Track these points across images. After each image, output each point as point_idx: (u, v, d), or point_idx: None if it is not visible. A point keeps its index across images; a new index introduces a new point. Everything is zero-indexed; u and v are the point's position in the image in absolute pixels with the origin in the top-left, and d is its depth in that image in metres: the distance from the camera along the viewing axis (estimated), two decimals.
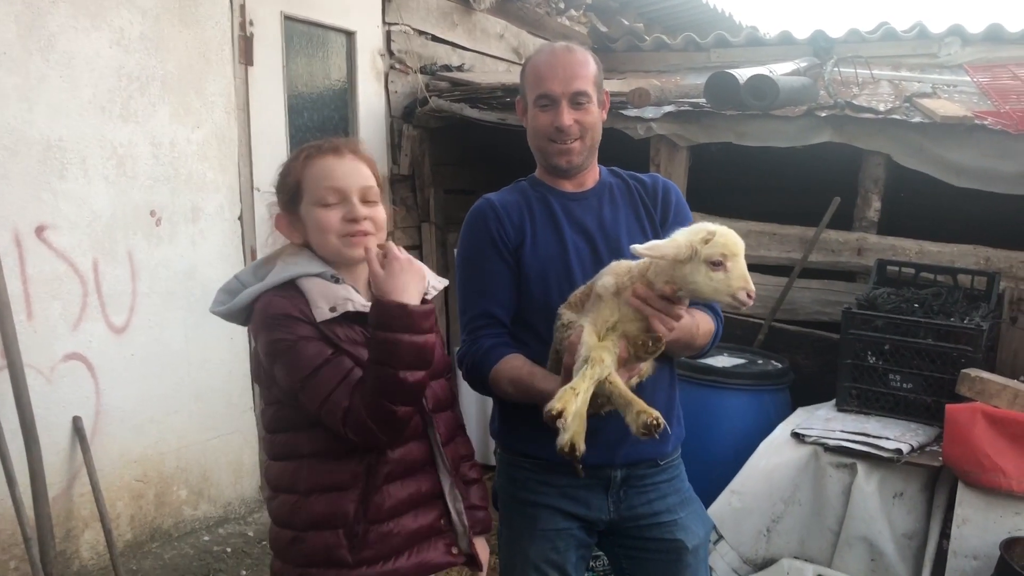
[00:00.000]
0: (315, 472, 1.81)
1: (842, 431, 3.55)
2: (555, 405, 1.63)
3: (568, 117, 2.07)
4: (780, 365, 4.27)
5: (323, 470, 1.81)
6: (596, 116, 2.13)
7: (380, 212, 1.88)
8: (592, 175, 2.21)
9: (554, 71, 2.08)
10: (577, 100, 2.08)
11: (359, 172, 1.87)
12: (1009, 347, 3.97)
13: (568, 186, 2.17)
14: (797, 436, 3.59)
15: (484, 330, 2.10)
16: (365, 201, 1.85)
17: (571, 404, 1.64)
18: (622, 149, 4.13)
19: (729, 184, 5.51)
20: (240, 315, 1.89)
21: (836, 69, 5.70)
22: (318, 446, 1.81)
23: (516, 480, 2.19)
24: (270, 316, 1.77)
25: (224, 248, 4.31)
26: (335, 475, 1.80)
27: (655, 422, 1.65)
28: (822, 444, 3.49)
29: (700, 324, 2.02)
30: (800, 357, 4.50)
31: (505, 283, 2.10)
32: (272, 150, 4.51)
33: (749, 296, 1.69)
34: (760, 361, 4.32)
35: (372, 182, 1.88)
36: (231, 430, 4.44)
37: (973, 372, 3.38)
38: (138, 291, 3.89)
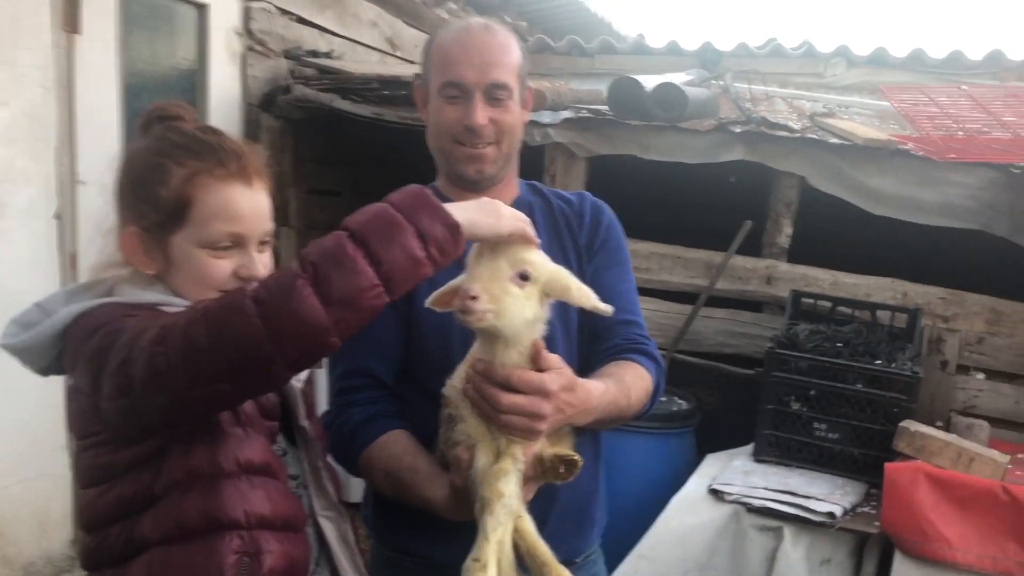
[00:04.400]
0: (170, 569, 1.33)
1: (765, 488, 3.17)
2: (472, 567, 1.33)
3: (482, 115, 1.69)
4: (686, 404, 3.88)
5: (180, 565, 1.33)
6: (517, 116, 1.76)
7: (269, 256, 1.52)
8: (509, 190, 1.85)
9: (467, 54, 1.70)
10: (494, 94, 1.70)
11: (264, 209, 1.50)
12: (926, 391, 3.68)
13: None
14: (716, 493, 3.19)
15: (357, 394, 1.70)
16: (261, 244, 1.49)
17: (490, 562, 1.33)
18: None
19: (631, 199, 4.97)
20: (45, 350, 1.42)
21: (731, 84, 5.40)
22: (167, 526, 1.34)
23: None
24: (100, 321, 1.34)
25: (36, 253, 3.57)
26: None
27: None
28: (744, 504, 3.11)
29: (632, 388, 1.66)
30: (703, 392, 4.19)
31: (390, 330, 1.70)
32: (101, 136, 3.82)
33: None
34: (663, 399, 3.88)
35: (271, 219, 1.52)
36: (36, 474, 3.65)
37: (912, 426, 3.05)
38: None
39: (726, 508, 3.15)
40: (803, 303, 3.89)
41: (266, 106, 4.88)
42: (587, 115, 4.28)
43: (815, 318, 3.80)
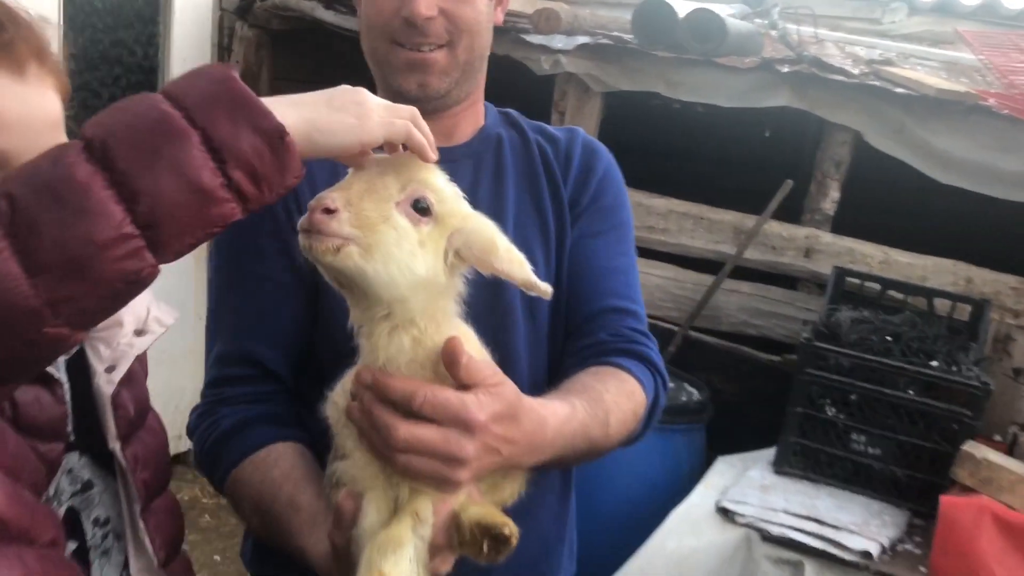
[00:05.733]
0: None
1: (786, 511, 2.60)
2: None
3: (427, 2, 1.31)
4: (698, 395, 3.31)
5: None
6: (482, 13, 1.39)
7: None
8: (470, 119, 1.49)
9: None
10: None
11: (45, 115, 1.03)
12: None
13: None
14: (725, 513, 2.62)
15: (234, 387, 1.34)
16: None
17: None
18: (516, 88, 3.22)
19: (652, 146, 4.54)
20: None
21: (778, 21, 4.74)
22: None
23: None
24: None
25: None
26: None
27: None
28: (759, 529, 2.55)
29: (612, 410, 1.27)
30: (720, 380, 3.66)
31: (288, 305, 1.36)
32: None
33: None
34: (672, 385, 3.31)
35: (62, 124, 1.06)
36: None
37: (978, 451, 2.44)
38: None
39: (736, 532, 2.60)
40: (847, 283, 3.29)
41: (241, 13, 4.33)
42: (607, 42, 3.68)
43: (860, 302, 3.19)
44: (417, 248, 0.99)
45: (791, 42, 3.87)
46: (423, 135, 1.03)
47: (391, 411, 0.98)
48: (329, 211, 0.94)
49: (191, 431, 1.37)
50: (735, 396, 3.66)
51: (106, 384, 1.14)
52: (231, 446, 1.29)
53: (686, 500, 2.76)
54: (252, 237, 1.34)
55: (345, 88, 0.99)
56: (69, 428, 1.11)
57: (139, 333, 1.20)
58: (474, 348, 1.08)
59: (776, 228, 3.62)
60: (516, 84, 3.40)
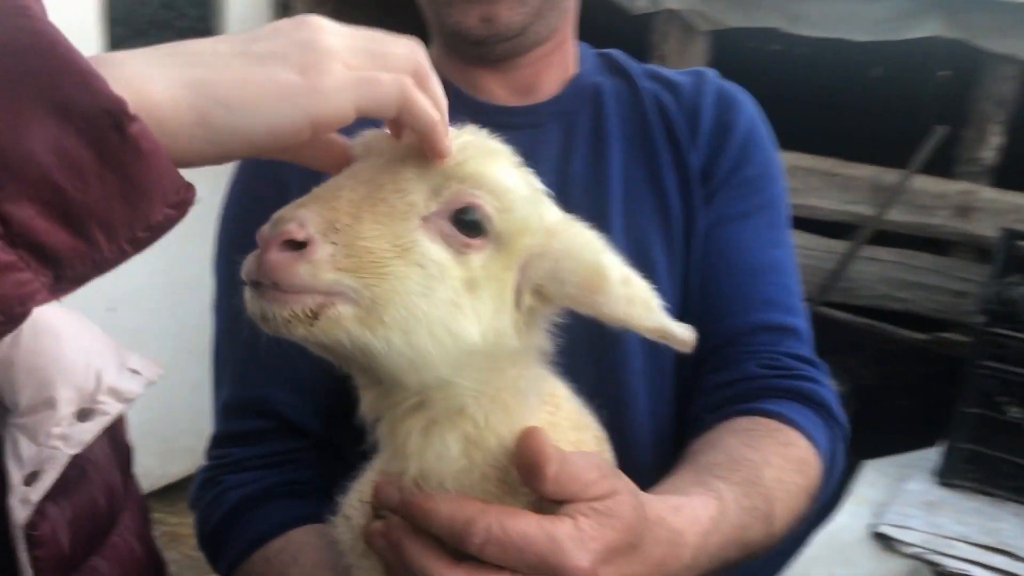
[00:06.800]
0: None
1: (964, 540, 2.21)
2: None
3: None
4: (837, 387, 2.86)
5: None
6: None
7: None
8: (558, 65, 1.21)
9: None
10: None
11: None
12: None
13: (496, 87, 1.20)
14: (883, 539, 2.23)
15: (244, 446, 1.11)
16: None
17: None
18: (604, 32, 2.79)
19: (770, 93, 4.17)
20: None
21: None
22: None
23: None
24: None
25: None
26: None
27: None
28: (932, 564, 2.15)
29: (777, 492, 0.95)
30: (858, 364, 3.40)
31: None
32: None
33: None
34: None
35: None
36: None
37: None
38: None
39: (900, 564, 2.21)
40: (1017, 247, 2.84)
41: None
42: None
43: None
44: (463, 295, 0.62)
45: None
46: (436, 96, 0.64)
47: (433, 548, 0.68)
48: (296, 243, 0.57)
49: (192, 503, 1.14)
50: (876, 383, 3.43)
51: (20, 504, 0.77)
52: (237, 531, 1.06)
53: (832, 520, 2.38)
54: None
55: (283, 23, 0.60)
56: None
57: (84, 415, 0.84)
58: (568, 428, 0.74)
59: (923, 184, 3.39)
60: (604, 26, 3.12)
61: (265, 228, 0.58)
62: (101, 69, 0.49)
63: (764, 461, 0.95)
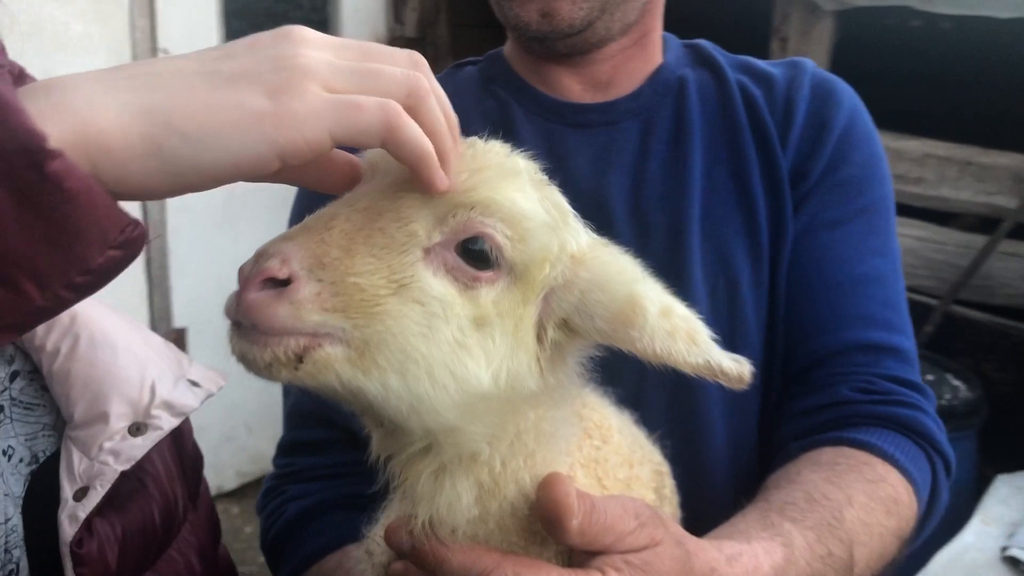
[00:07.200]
0: None
1: None
2: None
3: None
4: (966, 390, 2.78)
5: None
6: None
7: None
8: (638, 60, 1.15)
9: None
10: None
11: None
12: None
13: (570, 83, 1.15)
14: (1015, 564, 2.12)
15: (307, 455, 1.11)
16: None
17: None
18: (721, 14, 3.01)
19: (900, 76, 4.02)
20: None
21: None
22: None
23: None
24: None
25: None
26: None
27: None
28: None
29: (858, 536, 0.86)
30: (994, 368, 3.12)
31: None
32: None
33: None
34: (930, 376, 2.85)
35: None
36: None
37: None
38: None
39: None
40: None
41: None
42: None
43: None
44: (471, 334, 0.57)
45: None
46: (432, 122, 0.57)
47: None
48: (277, 281, 0.53)
49: (258, 511, 1.17)
50: (1012, 390, 3.15)
51: (68, 520, 0.76)
52: (296, 542, 1.06)
53: (957, 538, 2.26)
54: None
55: (263, 36, 0.55)
56: None
57: (136, 430, 0.82)
58: (618, 463, 0.69)
59: None
60: (720, 8, 2.98)
61: (246, 263, 0.53)
62: (47, 96, 0.45)
63: (847, 500, 0.86)
